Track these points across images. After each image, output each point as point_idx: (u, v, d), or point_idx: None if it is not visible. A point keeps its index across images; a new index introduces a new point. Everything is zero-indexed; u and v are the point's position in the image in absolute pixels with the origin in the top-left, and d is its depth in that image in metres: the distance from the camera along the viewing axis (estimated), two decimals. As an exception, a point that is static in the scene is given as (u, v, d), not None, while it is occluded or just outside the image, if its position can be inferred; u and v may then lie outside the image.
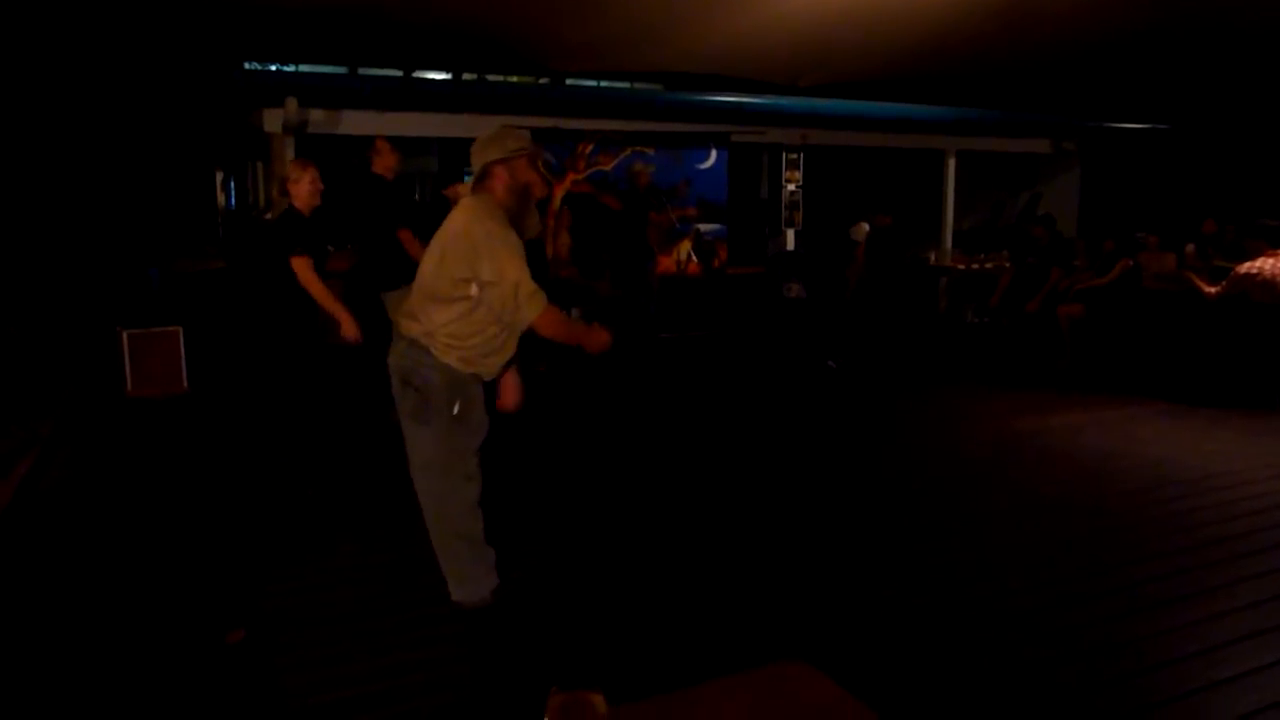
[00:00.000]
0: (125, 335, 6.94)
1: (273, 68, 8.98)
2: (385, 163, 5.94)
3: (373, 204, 5.90)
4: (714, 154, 10.08)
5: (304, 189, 4.80)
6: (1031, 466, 5.45)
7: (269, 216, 9.10)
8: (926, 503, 4.81)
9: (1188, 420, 6.47)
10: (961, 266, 10.42)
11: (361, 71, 9.61)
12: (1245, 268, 6.85)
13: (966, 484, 5.14)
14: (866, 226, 8.64)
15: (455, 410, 3.27)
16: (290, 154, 7.82)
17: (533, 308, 3.20)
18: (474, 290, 3.21)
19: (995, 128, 11.27)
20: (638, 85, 10.44)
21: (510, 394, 3.57)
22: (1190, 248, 8.87)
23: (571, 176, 9.27)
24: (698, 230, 10.00)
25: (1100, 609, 3.56)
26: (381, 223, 5.80)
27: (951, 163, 11.58)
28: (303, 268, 4.63)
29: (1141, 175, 12.40)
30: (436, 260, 3.29)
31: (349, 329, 4.86)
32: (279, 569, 3.91)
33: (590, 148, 9.45)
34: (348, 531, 4.34)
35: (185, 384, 7.07)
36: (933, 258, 11.07)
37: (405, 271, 5.69)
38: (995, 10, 6.76)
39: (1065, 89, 10.76)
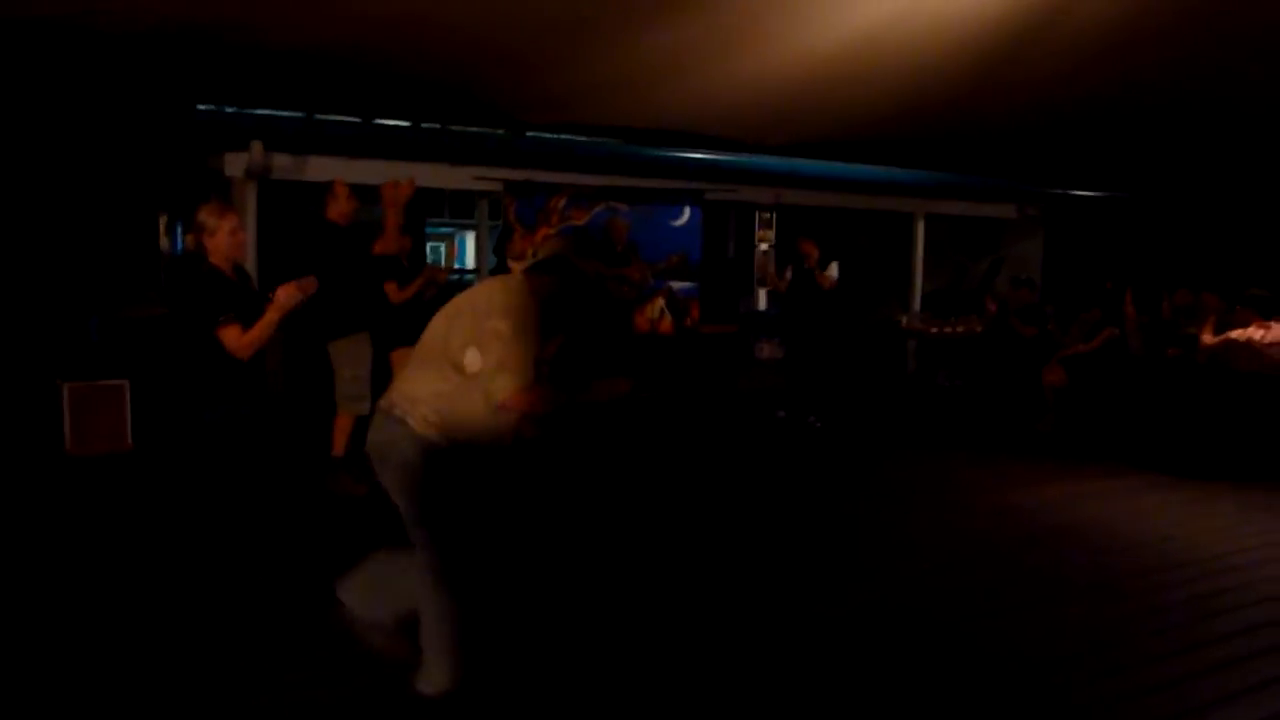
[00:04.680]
0: (66, 388, 6.44)
1: (234, 110, 8.60)
2: (339, 209, 5.78)
3: (323, 251, 5.61)
4: (688, 211, 9.91)
5: (221, 241, 3.94)
6: (1033, 543, 5.22)
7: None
8: (932, 582, 4.54)
9: (1181, 493, 6.34)
10: (934, 330, 10.34)
11: (318, 117, 9.25)
12: (1236, 334, 6.89)
13: (967, 563, 4.88)
14: (836, 266, 8.51)
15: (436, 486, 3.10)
16: (253, 200, 7.42)
17: (500, 387, 3.00)
18: (468, 359, 3.05)
19: (962, 192, 11.31)
20: (611, 140, 10.26)
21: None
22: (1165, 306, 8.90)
23: (544, 230, 9.00)
24: (670, 288, 9.78)
25: (1147, 710, 3.31)
26: (330, 270, 5.19)
27: (921, 225, 11.58)
28: (233, 337, 3.83)
29: (1102, 241, 12.56)
30: (445, 326, 3.16)
31: None
32: (247, 664, 3.48)
33: (563, 202, 9.22)
34: (323, 624, 3.92)
35: (130, 441, 6.57)
36: (903, 321, 11.00)
37: (351, 320, 5.60)
38: (958, 80, 6.72)
39: (1030, 156, 10.86)
